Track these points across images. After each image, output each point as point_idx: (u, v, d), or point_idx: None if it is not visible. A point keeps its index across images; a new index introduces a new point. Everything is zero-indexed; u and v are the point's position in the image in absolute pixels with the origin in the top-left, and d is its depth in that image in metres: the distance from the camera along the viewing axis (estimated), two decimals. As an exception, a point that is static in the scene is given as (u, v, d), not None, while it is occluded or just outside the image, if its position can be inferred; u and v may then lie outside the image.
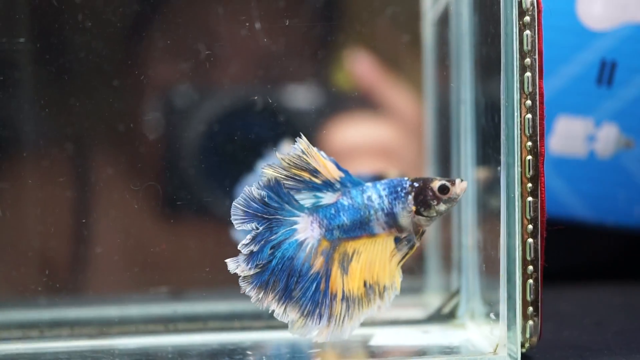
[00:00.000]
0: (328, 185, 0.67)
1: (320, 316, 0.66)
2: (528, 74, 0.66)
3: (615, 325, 0.80)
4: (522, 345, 0.68)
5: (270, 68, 0.83)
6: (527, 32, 0.66)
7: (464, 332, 0.76)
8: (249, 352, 0.72)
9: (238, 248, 0.67)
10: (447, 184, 0.68)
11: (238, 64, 0.83)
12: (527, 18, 0.66)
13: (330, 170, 0.67)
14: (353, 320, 0.67)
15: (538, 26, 0.66)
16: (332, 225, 0.67)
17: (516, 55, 0.66)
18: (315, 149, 0.67)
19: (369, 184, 0.68)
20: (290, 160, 0.67)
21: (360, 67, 0.84)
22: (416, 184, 0.68)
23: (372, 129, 0.85)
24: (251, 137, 0.82)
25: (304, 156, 0.67)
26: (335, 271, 0.67)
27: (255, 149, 0.81)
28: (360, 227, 0.67)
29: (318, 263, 0.67)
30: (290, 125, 0.82)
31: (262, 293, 0.66)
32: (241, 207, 0.67)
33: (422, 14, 0.84)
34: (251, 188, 0.67)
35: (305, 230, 0.67)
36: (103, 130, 0.82)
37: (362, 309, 0.67)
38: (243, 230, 0.67)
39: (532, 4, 0.66)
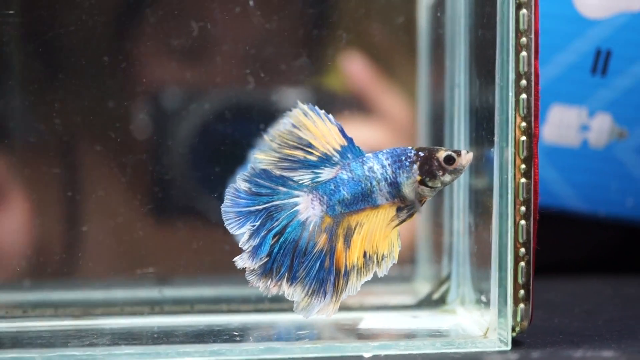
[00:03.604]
0: (325, 161, 0.66)
1: (325, 293, 0.65)
2: (524, 53, 0.65)
3: (605, 314, 0.80)
4: (513, 329, 0.67)
5: (258, 63, 0.81)
6: (524, 11, 0.65)
7: (454, 318, 0.75)
8: (235, 333, 0.71)
9: (239, 246, 0.65)
10: (453, 154, 0.67)
11: (224, 62, 0.81)
12: (523, -3, 0.65)
13: (331, 138, 0.66)
14: (349, 290, 0.66)
15: (535, 6, 0.65)
16: (332, 201, 0.66)
17: (512, 34, 0.65)
18: (322, 112, 0.65)
19: (370, 155, 0.66)
20: (281, 140, 0.65)
21: (352, 67, 0.82)
22: (422, 154, 0.66)
23: (362, 131, 0.84)
24: (236, 138, 0.80)
25: (296, 130, 0.65)
26: (340, 247, 0.66)
27: (239, 150, 0.79)
28: (362, 200, 0.66)
29: (321, 241, 0.66)
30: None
31: (268, 281, 0.65)
32: (231, 209, 0.65)
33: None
34: (235, 185, 0.65)
35: (307, 210, 0.66)
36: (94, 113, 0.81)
37: (360, 278, 0.66)
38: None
39: (529, -18, 0.65)
